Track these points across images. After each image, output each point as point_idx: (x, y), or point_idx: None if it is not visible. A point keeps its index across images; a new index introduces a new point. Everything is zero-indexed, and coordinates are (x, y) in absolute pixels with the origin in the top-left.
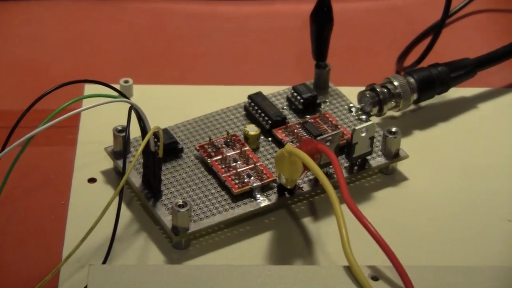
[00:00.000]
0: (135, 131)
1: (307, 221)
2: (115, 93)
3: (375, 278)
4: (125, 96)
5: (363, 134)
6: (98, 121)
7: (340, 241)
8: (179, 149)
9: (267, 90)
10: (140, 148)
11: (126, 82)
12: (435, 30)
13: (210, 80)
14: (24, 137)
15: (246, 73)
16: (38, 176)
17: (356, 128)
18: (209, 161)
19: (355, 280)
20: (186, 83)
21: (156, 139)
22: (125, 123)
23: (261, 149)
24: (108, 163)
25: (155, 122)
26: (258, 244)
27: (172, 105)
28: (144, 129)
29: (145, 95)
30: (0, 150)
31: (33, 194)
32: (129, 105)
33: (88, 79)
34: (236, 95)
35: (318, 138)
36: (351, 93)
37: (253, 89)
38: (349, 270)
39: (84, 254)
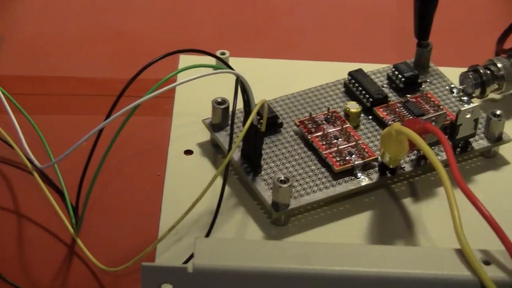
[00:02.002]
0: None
1: (407, 201)
2: (217, 65)
3: (487, 263)
4: (231, 68)
5: (468, 116)
6: (193, 92)
7: (443, 224)
8: (278, 124)
9: (365, 68)
10: (248, 121)
11: (222, 54)
12: None
13: (306, 55)
14: (130, 105)
15: (344, 49)
16: (134, 146)
17: (462, 109)
18: (309, 137)
19: (467, 263)
20: (282, 57)
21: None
22: (221, 95)
23: (361, 127)
24: (204, 135)
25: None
26: (358, 223)
27: (269, 79)
28: (248, 102)
29: (241, 68)
30: (104, 119)
31: (129, 164)
32: (230, 78)
33: (196, 49)
34: (334, 71)
35: (423, 118)
36: (451, 73)
37: (351, 66)
38: (460, 253)
39: (181, 227)
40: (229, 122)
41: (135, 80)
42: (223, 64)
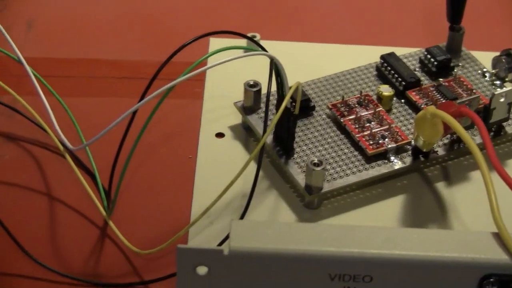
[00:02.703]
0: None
1: (440, 185)
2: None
3: None
4: (265, 50)
5: (502, 100)
6: (224, 75)
7: (476, 208)
8: (311, 107)
9: (397, 52)
10: (283, 104)
11: (253, 37)
12: None
13: (336, 38)
14: (164, 87)
15: (376, 33)
16: (165, 129)
17: (496, 92)
18: (342, 120)
19: (504, 247)
20: (313, 41)
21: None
22: (251, 78)
23: (394, 110)
24: (235, 118)
25: None
26: (391, 207)
27: (300, 63)
28: (281, 85)
29: (272, 51)
30: (138, 101)
31: (161, 147)
32: (261, 60)
33: (229, 31)
34: (365, 55)
35: (457, 102)
36: (483, 57)
37: (382, 50)
38: (497, 237)
39: (213, 210)
40: (261, 105)
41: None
42: (257, 46)
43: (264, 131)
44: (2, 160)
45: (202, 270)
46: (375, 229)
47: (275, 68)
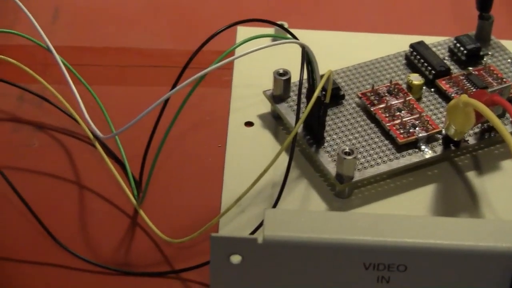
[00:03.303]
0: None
1: (471, 175)
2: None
3: None
4: (296, 38)
5: None
6: (252, 63)
7: (508, 197)
8: (340, 96)
9: (425, 40)
10: (316, 93)
11: (279, 26)
12: None
13: (364, 27)
14: (196, 76)
15: (403, 22)
16: (194, 118)
17: None
18: (372, 109)
19: None
20: (340, 29)
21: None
22: (279, 66)
23: (424, 99)
24: (264, 107)
25: None
26: (421, 196)
27: (328, 51)
28: (312, 73)
29: (301, 39)
30: (170, 89)
31: (190, 135)
32: (289, 48)
33: (260, 19)
34: (394, 44)
35: (488, 90)
36: None
37: (410, 39)
38: None
39: (243, 199)
40: (291, 93)
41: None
42: (287, 34)
43: (297, 120)
44: (31, 149)
45: (235, 258)
46: (409, 218)
47: (306, 57)
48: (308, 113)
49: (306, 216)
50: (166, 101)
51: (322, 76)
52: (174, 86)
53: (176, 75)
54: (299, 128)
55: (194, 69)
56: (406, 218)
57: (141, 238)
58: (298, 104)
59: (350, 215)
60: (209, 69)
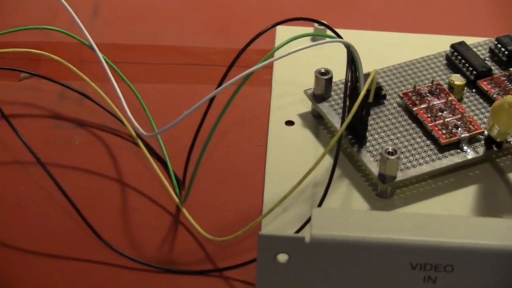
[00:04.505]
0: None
1: None
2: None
3: None
4: (340, 37)
5: None
6: (292, 62)
7: None
8: (382, 95)
9: (466, 41)
10: (362, 93)
11: (320, 25)
12: None
13: (404, 27)
14: (242, 74)
15: (443, 22)
16: (234, 116)
17: None
18: (414, 109)
19: None
20: (379, 29)
21: (359, 83)
22: (319, 65)
23: (465, 99)
24: (304, 106)
25: None
26: (463, 197)
27: (368, 51)
28: (356, 73)
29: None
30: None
31: (231, 134)
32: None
33: (306, 17)
34: (434, 44)
35: None
36: None
37: (451, 39)
38: None
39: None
40: (331, 93)
41: (230, 50)
42: (330, 33)
43: (342, 121)
44: (73, 146)
45: (282, 257)
46: (457, 218)
47: (350, 56)
48: (349, 112)
49: (353, 215)
50: (212, 99)
51: (364, 75)
52: (220, 84)
53: (215, 74)
54: None
55: (234, 67)
56: (453, 218)
57: (183, 236)
58: (344, 105)
59: (397, 214)
60: (255, 67)
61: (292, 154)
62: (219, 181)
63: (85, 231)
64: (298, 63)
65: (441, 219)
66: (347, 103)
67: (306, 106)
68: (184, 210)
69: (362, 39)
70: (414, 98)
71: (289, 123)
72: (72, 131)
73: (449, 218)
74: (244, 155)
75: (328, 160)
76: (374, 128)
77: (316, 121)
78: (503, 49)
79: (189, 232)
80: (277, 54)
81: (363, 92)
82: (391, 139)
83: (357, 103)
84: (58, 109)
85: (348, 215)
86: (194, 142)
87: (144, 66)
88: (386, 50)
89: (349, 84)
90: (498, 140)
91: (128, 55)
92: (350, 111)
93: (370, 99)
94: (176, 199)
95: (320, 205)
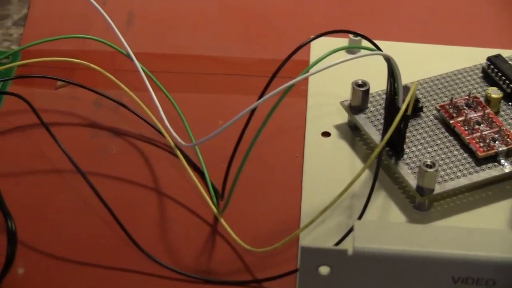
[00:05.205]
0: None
1: None
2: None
3: None
4: (379, 49)
5: None
6: (326, 73)
7: None
8: (419, 108)
9: (502, 54)
10: (403, 106)
11: (355, 36)
12: None
13: (437, 39)
14: (284, 85)
15: (478, 35)
16: (271, 127)
17: None
18: (451, 122)
19: None
20: (412, 41)
21: (397, 96)
22: (355, 76)
23: (502, 113)
24: (340, 117)
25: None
26: (500, 210)
27: (403, 63)
28: (394, 85)
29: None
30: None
31: (267, 145)
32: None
33: (347, 30)
34: (469, 57)
35: None
36: None
37: (486, 52)
38: None
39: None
40: (368, 104)
41: (265, 61)
42: (375, 46)
43: (382, 134)
44: (109, 154)
45: (324, 270)
46: (496, 232)
47: (389, 69)
48: (388, 125)
49: (394, 228)
50: (252, 110)
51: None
52: (261, 95)
53: (250, 83)
54: (378, 139)
55: (266, 77)
56: (497, 232)
57: (222, 247)
58: (386, 118)
59: (439, 228)
60: (297, 79)
61: (328, 165)
62: (256, 191)
63: (123, 240)
64: (333, 74)
65: (484, 232)
66: (382, 115)
67: (342, 117)
68: (222, 220)
69: (397, 50)
70: (451, 110)
71: (326, 134)
72: (109, 140)
73: (493, 232)
74: (280, 166)
75: (365, 171)
76: (411, 141)
77: (352, 133)
78: None
79: (227, 243)
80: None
81: (404, 105)
82: (428, 152)
83: (397, 118)
84: (94, 117)
85: (390, 228)
86: (234, 153)
87: (179, 75)
88: (422, 62)
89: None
90: None
91: (163, 64)
92: (388, 123)
93: (409, 112)
94: (215, 209)
95: (360, 217)
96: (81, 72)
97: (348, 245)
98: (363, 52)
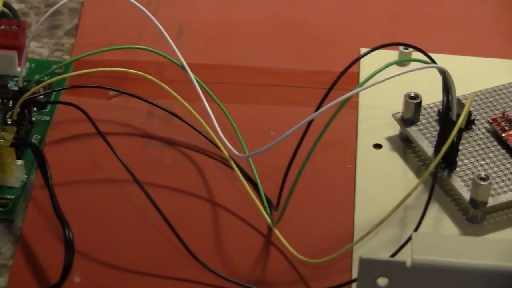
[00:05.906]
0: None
1: None
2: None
3: None
4: (434, 62)
5: None
6: (378, 84)
7: None
8: (471, 121)
9: None
10: (460, 120)
11: (405, 48)
12: None
13: (486, 52)
14: (342, 97)
15: None
16: (323, 138)
17: None
18: (503, 135)
19: None
20: (462, 53)
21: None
22: (404, 88)
23: None
24: (391, 129)
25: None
26: None
27: (454, 76)
28: (449, 98)
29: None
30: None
31: (319, 156)
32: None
33: (402, 43)
34: None
35: None
36: None
37: None
38: None
39: (375, 221)
40: (420, 117)
41: (314, 73)
42: (429, 58)
43: (436, 148)
44: (163, 164)
45: (383, 281)
46: None
47: (444, 82)
48: (441, 137)
49: (452, 240)
50: (309, 122)
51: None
52: (318, 107)
53: (301, 95)
54: (431, 152)
55: (315, 89)
56: None
57: (276, 257)
58: (440, 132)
59: (497, 241)
60: (353, 92)
61: (381, 177)
62: (309, 202)
63: (178, 250)
64: (384, 86)
65: None
66: (434, 127)
67: (394, 129)
68: (277, 231)
69: (448, 63)
70: (503, 124)
71: (377, 146)
72: (161, 150)
73: None
74: (333, 177)
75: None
76: (463, 153)
77: (404, 145)
78: None
79: (281, 253)
80: (365, 77)
81: (460, 120)
82: (481, 165)
83: (454, 132)
84: (147, 127)
85: (447, 240)
86: (290, 164)
87: (228, 85)
88: (473, 75)
89: (439, 108)
90: None
91: (213, 74)
92: (442, 136)
93: (462, 125)
94: (269, 220)
95: (416, 229)
96: (133, 82)
97: (404, 257)
98: (417, 65)
